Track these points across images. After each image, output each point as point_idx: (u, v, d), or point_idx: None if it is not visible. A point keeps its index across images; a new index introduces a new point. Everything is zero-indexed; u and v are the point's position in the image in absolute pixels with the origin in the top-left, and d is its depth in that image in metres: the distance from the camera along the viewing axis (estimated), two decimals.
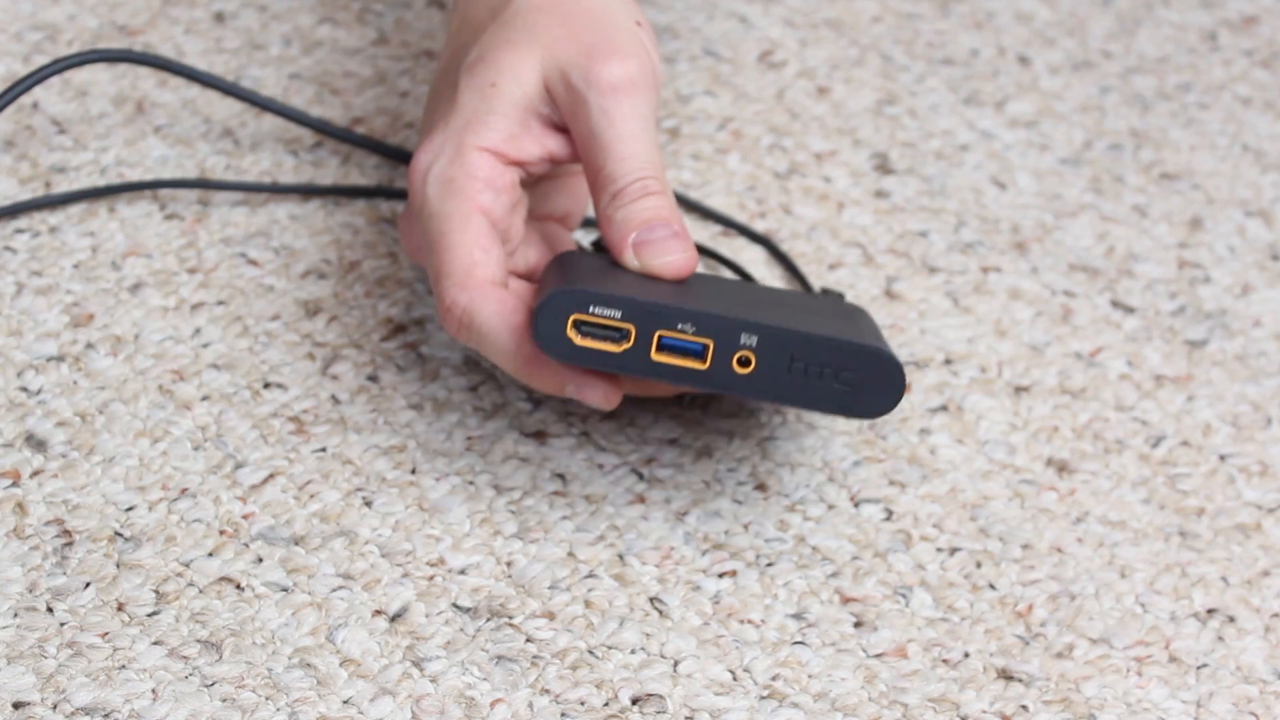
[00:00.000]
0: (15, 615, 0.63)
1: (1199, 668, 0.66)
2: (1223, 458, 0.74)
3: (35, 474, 0.68)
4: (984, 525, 0.70)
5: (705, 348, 0.64)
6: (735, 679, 0.64)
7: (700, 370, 0.64)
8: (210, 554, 0.66)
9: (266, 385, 0.72)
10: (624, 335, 0.64)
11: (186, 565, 0.66)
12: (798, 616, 0.66)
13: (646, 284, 0.66)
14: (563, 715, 0.62)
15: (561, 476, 0.70)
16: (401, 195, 0.81)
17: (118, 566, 0.65)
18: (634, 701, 0.63)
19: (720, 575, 0.67)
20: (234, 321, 0.75)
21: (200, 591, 0.65)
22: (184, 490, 0.68)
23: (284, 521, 0.67)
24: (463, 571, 0.67)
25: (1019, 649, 0.66)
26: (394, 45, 0.89)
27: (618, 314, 0.64)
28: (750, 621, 0.66)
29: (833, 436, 0.73)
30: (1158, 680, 0.66)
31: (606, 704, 0.63)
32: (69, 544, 0.66)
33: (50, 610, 0.64)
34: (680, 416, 0.73)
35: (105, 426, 0.70)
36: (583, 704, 0.63)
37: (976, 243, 0.83)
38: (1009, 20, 0.96)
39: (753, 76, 0.90)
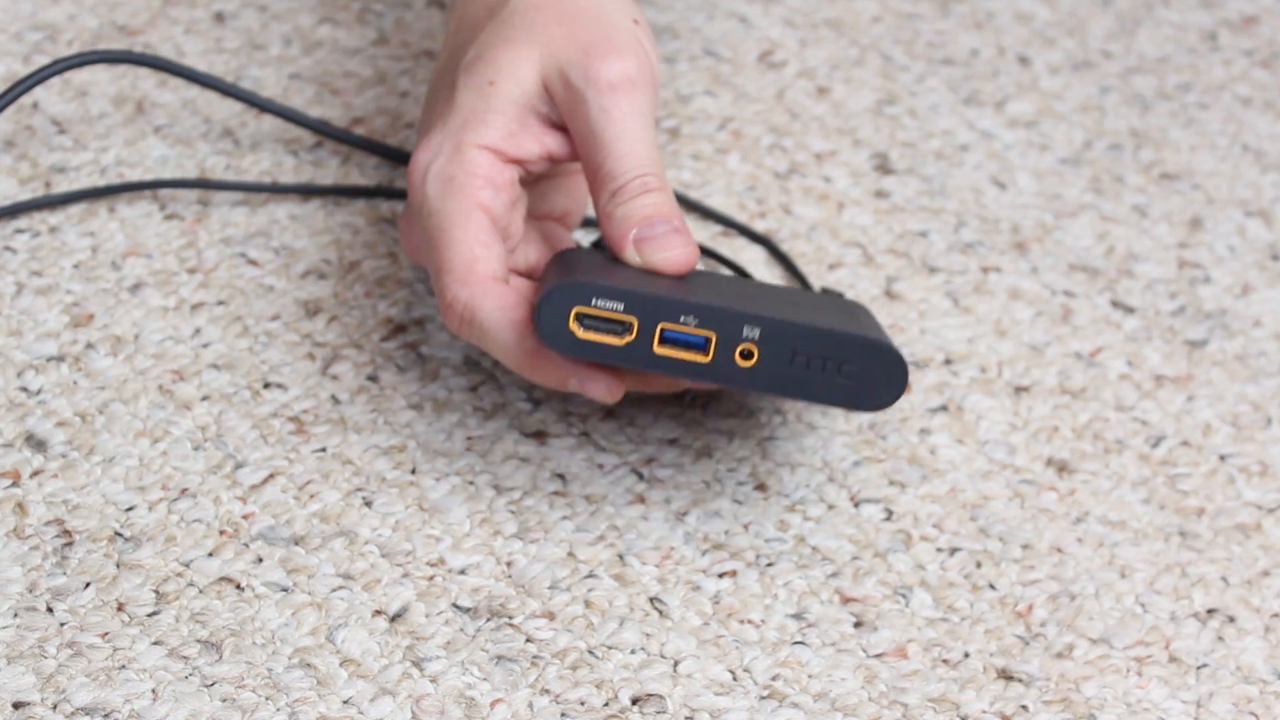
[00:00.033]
0: (15, 615, 0.63)
1: (1199, 668, 0.66)
2: (1223, 458, 0.74)
3: (35, 474, 0.68)
4: (984, 525, 0.70)
5: (708, 340, 0.64)
6: (735, 679, 0.64)
7: (703, 363, 0.64)
8: (210, 554, 0.66)
9: (266, 385, 0.72)
10: (626, 328, 0.64)
11: (186, 565, 0.66)
12: (798, 616, 0.66)
13: (648, 279, 0.66)
14: (563, 715, 0.62)
15: (561, 476, 0.70)
16: (402, 195, 0.81)
17: (118, 566, 0.65)
18: (634, 701, 0.63)
19: (720, 575, 0.67)
20: (234, 321, 0.75)
21: (200, 591, 0.65)
22: (184, 490, 0.68)
23: (284, 521, 0.67)
24: (463, 571, 0.67)
25: (1019, 649, 0.66)
26: (394, 45, 0.89)
27: (620, 307, 0.64)
28: (750, 621, 0.66)
29: (833, 436, 0.73)
30: (1158, 680, 0.66)
31: (606, 704, 0.63)
32: (69, 544, 0.66)
33: (50, 610, 0.64)
34: (680, 416, 0.73)
35: (105, 426, 0.70)
36: (583, 704, 0.63)
37: (976, 243, 0.83)
38: (1009, 20, 0.96)
39: (753, 76, 0.90)
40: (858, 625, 0.66)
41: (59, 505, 0.67)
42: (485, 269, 0.66)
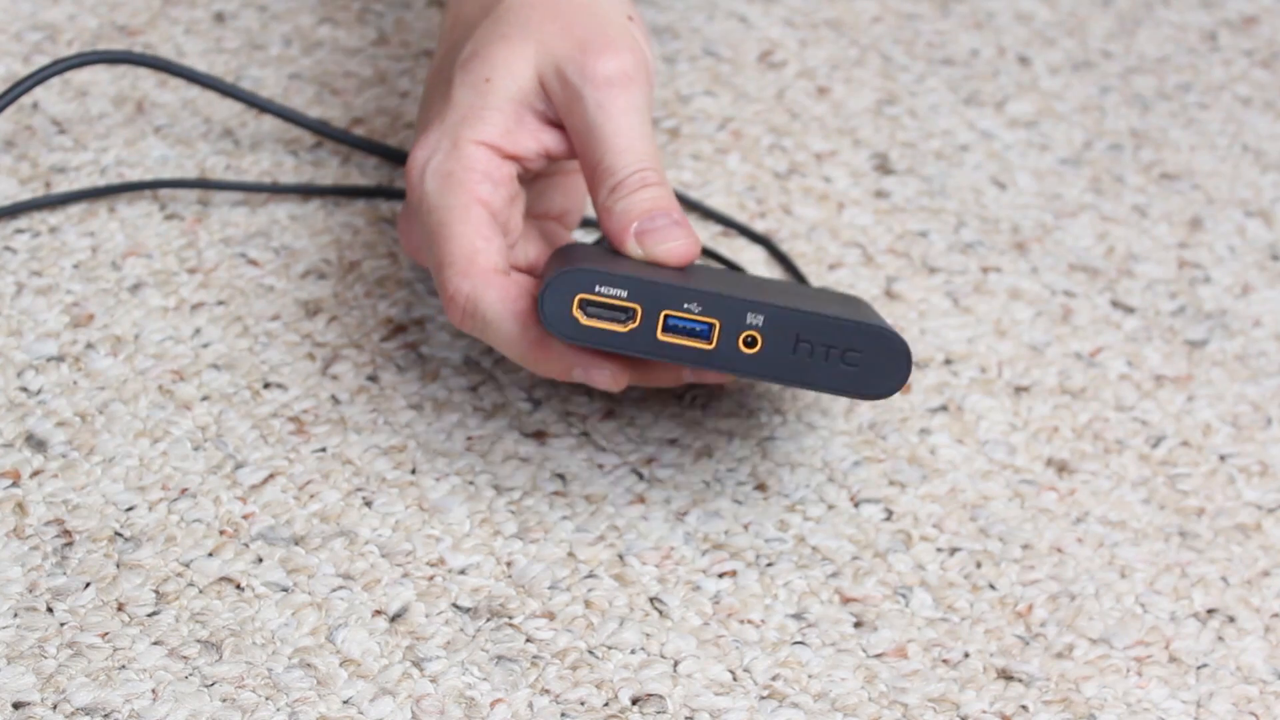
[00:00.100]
0: (15, 615, 0.63)
1: (1199, 668, 0.66)
2: (1223, 458, 0.74)
3: (35, 474, 0.68)
4: (984, 525, 0.70)
5: (711, 328, 0.64)
6: (735, 679, 0.64)
7: (706, 350, 0.64)
8: (210, 554, 0.66)
9: (266, 385, 0.72)
10: (630, 315, 0.64)
11: (186, 565, 0.66)
12: (798, 616, 0.66)
13: (650, 269, 0.66)
14: (563, 715, 0.62)
15: (561, 476, 0.70)
16: (402, 195, 0.81)
17: (118, 566, 0.65)
18: (634, 701, 0.63)
19: (720, 575, 0.67)
20: (234, 321, 0.75)
21: (200, 591, 0.65)
22: (184, 490, 0.68)
23: (284, 521, 0.67)
24: (463, 571, 0.67)
25: (1019, 649, 0.66)
26: (394, 45, 0.89)
27: (624, 293, 0.64)
28: (750, 621, 0.66)
29: (833, 436, 0.73)
30: (1158, 680, 0.66)
31: (606, 704, 0.63)
32: (69, 544, 0.66)
33: (50, 610, 0.64)
34: (680, 416, 0.73)
35: (105, 426, 0.70)
36: (583, 704, 0.63)
37: (976, 243, 0.83)
38: (1009, 20, 0.96)
39: (753, 76, 0.90)
40: (858, 625, 0.66)
41: (59, 505, 0.67)
42: (486, 261, 0.66)
